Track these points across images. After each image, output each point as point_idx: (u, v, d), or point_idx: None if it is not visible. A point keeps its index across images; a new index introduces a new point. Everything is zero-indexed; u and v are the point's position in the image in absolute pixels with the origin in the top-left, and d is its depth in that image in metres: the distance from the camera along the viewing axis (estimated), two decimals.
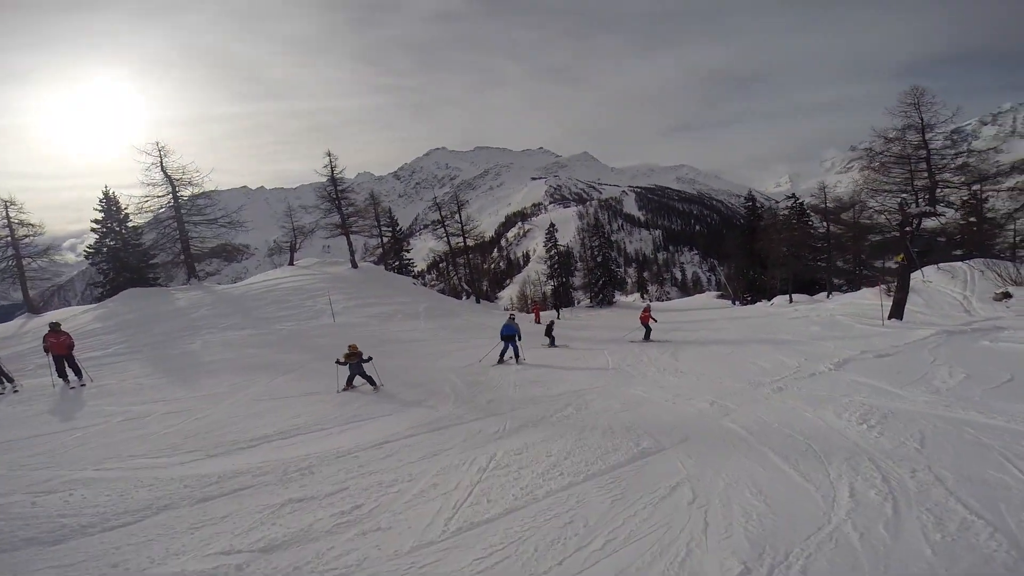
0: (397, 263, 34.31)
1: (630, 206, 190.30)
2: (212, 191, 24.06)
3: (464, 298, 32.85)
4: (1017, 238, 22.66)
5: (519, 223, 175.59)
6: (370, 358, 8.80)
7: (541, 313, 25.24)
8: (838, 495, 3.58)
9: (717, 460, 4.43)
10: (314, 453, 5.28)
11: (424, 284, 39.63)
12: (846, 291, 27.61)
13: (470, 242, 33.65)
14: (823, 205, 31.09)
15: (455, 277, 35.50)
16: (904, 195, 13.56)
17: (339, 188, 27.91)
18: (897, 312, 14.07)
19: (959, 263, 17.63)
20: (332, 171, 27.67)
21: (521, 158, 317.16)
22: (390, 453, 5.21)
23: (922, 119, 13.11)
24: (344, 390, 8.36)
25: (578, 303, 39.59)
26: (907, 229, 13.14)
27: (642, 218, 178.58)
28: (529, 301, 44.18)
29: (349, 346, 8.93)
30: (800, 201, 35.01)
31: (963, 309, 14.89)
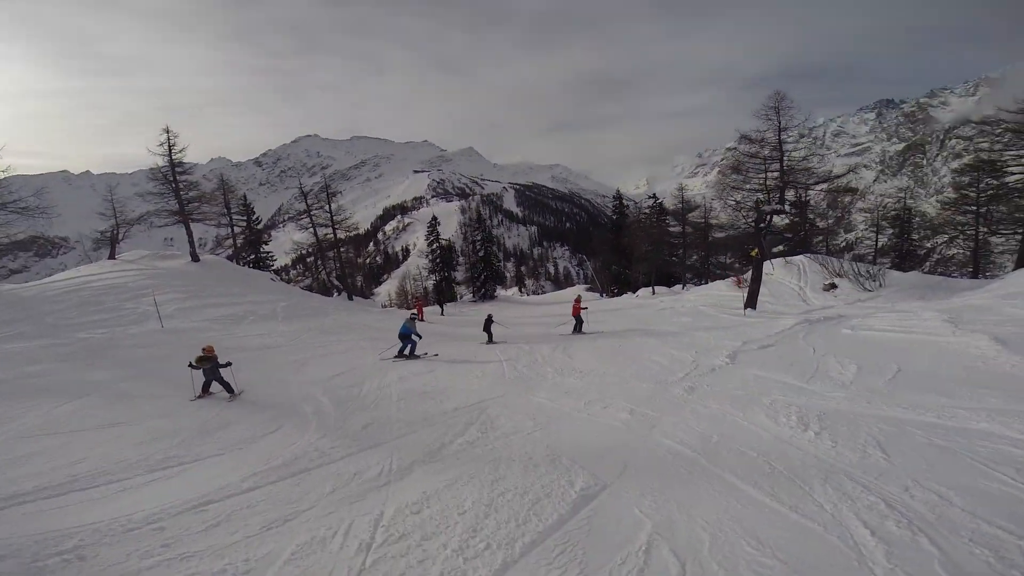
0: (253, 256, 29.83)
1: (510, 202, 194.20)
2: None
3: (335, 295, 29.75)
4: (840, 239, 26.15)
5: (399, 216, 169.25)
6: (228, 363, 7.92)
7: (425, 309, 23.48)
8: (855, 534, 2.80)
9: (678, 496, 3.46)
10: (91, 523, 3.43)
11: (286, 280, 35.21)
12: (698, 284, 30.50)
13: (341, 234, 30.39)
14: (679, 205, 34.36)
15: (323, 272, 31.88)
16: (759, 195, 14.56)
17: (178, 169, 22.97)
18: (751, 302, 15.10)
19: (796, 257, 19.77)
20: (170, 150, 22.84)
21: (404, 150, 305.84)
22: (215, 520, 3.49)
23: (779, 122, 14.12)
24: (199, 397, 7.45)
25: (461, 297, 38.50)
26: (761, 226, 14.13)
27: (520, 214, 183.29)
28: (410, 297, 41.83)
29: (204, 348, 7.95)
30: (659, 201, 37.94)
31: (801, 299, 16.54)
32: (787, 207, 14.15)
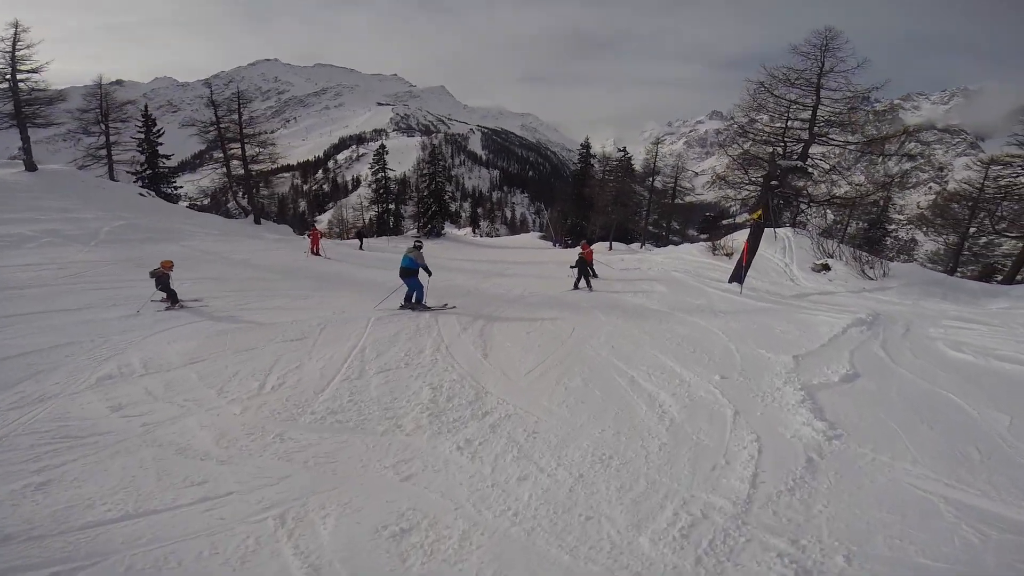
0: (149, 173, 23.45)
1: (475, 144, 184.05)
2: None
3: (243, 217, 24.08)
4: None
5: (353, 146, 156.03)
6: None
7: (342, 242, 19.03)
8: None
9: None
10: None
11: (192, 206, 28.82)
12: (656, 246, 27.86)
13: (254, 150, 24.36)
14: (650, 166, 31.51)
15: (233, 191, 25.75)
16: (776, 147, 10.58)
17: (24, 68, 18.06)
18: (739, 275, 11.49)
19: (780, 230, 16.19)
20: (14, 45, 17.91)
21: (369, 81, 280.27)
22: None
23: (823, 62, 9.99)
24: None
25: (406, 232, 34.19)
26: (774, 183, 10.33)
27: (484, 157, 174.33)
28: (325, 225, 36.65)
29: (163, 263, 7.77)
30: (629, 156, 35.03)
31: (788, 277, 13.10)
32: (810, 167, 10.49)
